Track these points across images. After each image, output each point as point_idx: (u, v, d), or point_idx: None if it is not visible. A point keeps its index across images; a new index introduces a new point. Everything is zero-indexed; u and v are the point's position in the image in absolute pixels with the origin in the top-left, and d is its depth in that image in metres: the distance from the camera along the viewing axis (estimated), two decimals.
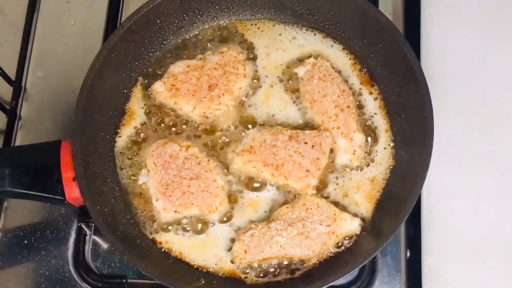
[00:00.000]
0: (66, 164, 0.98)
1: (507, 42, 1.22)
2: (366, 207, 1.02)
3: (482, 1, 1.24)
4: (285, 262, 0.99)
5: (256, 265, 0.99)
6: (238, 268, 0.99)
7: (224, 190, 1.01)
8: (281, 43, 1.12)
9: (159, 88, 1.07)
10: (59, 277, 1.11)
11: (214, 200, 1.00)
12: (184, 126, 1.07)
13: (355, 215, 1.01)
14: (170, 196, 1.00)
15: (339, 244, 1.00)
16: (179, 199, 0.99)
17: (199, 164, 1.01)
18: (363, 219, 1.01)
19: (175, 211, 0.99)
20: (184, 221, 1.02)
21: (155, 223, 1.02)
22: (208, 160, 1.02)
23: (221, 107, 1.06)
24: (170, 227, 1.02)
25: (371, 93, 1.08)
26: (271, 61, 1.11)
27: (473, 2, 1.24)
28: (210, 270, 1.00)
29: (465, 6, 1.24)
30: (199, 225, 1.01)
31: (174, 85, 1.06)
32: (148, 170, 1.01)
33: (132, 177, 1.04)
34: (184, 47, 1.13)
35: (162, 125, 1.08)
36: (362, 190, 1.03)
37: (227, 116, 1.07)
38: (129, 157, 1.06)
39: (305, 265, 0.99)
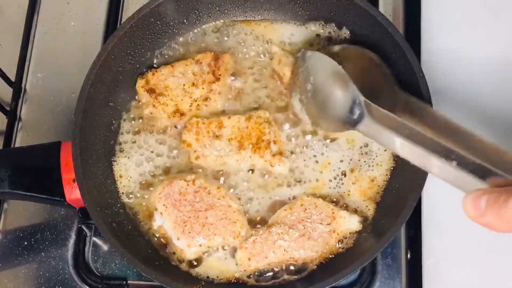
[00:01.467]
0: (66, 165, 0.98)
1: (509, 42, 1.22)
2: (366, 209, 1.02)
3: (482, 1, 1.24)
4: (289, 265, 0.99)
5: (258, 268, 0.99)
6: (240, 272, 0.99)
7: (241, 213, 1.01)
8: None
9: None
10: (59, 279, 1.11)
11: (235, 225, 0.99)
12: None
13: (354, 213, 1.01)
14: (190, 232, 0.98)
15: (341, 243, 0.99)
16: (201, 233, 0.98)
17: (209, 193, 1.00)
18: (363, 220, 1.01)
19: (200, 245, 0.98)
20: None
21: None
22: (218, 188, 1.01)
23: None
24: None
25: None
26: None
27: (474, 3, 1.24)
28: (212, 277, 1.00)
29: (466, 6, 1.24)
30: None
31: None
32: (161, 213, 1.00)
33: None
34: (184, 47, 1.13)
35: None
36: (362, 191, 1.03)
37: None
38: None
39: (307, 266, 0.99)
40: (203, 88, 1.06)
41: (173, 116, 1.06)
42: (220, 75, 1.07)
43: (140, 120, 1.08)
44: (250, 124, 1.03)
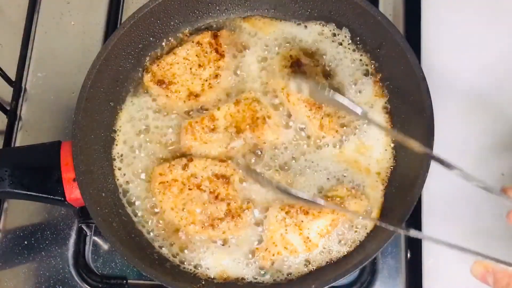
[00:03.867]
0: (66, 165, 0.98)
1: (508, 42, 1.22)
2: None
3: (482, 1, 1.24)
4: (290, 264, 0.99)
5: (258, 267, 0.99)
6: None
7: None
8: None
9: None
10: (59, 278, 1.11)
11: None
12: None
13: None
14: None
15: (342, 242, 0.99)
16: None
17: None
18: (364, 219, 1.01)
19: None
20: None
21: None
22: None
23: None
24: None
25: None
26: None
27: (474, 2, 1.24)
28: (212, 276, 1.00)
29: (466, 6, 1.24)
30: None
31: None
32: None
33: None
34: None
35: None
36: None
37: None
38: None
39: (308, 266, 0.99)
40: (210, 67, 1.07)
41: (189, 100, 1.06)
42: (223, 51, 1.07)
43: (140, 119, 1.08)
44: (240, 108, 1.04)
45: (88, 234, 1.13)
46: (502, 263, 0.81)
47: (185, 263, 1.00)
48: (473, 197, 1.12)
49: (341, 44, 1.10)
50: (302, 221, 0.98)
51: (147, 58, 1.11)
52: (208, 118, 1.03)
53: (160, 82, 1.06)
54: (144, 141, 1.06)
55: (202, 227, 0.98)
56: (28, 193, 0.98)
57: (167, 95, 1.06)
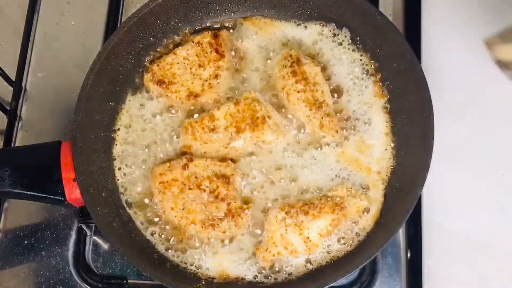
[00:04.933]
0: (66, 165, 0.98)
1: None
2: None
3: (483, 1, 1.24)
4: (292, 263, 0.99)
5: (258, 267, 0.99)
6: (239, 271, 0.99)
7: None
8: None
9: None
10: (59, 278, 1.11)
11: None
12: None
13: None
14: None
15: (342, 242, 0.99)
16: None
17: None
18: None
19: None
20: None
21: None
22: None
23: None
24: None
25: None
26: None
27: (473, 3, 1.24)
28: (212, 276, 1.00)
29: (466, 6, 1.24)
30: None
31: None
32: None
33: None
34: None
35: None
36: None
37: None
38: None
39: (308, 266, 0.99)
40: (210, 67, 1.07)
41: (189, 100, 1.06)
42: (223, 51, 1.08)
43: (140, 119, 1.08)
44: (240, 108, 1.04)
45: (88, 234, 1.13)
46: None
47: (185, 263, 1.00)
48: (474, 194, 1.12)
49: (341, 44, 1.10)
50: (302, 221, 0.98)
51: (147, 58, 1.11)
52: (208, 118, 1.04)
53: (160, 82, 1.06)
54: (144, 141, 1.06)
55: (202, 227, 0.98)
56: (28, 193, 0.98)
57: (167, 95, 1.06)
